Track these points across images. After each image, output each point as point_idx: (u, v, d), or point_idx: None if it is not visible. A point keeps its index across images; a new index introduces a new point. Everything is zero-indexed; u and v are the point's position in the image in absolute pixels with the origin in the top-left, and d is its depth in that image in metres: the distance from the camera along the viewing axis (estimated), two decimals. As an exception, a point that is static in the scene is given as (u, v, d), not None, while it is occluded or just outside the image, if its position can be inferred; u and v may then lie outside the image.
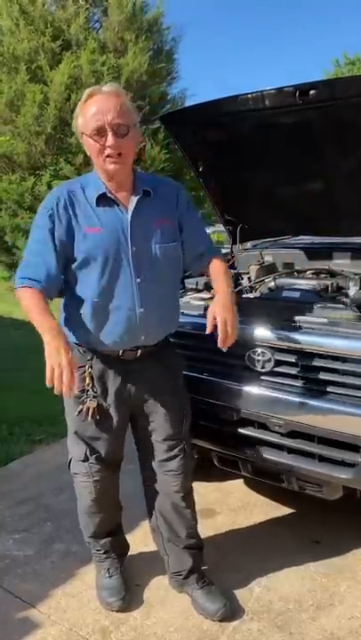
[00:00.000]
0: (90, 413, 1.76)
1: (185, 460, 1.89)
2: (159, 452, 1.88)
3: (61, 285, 1.74)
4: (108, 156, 1.63)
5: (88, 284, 1.69)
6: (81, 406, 1.77)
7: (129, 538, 2.16)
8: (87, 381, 1.76)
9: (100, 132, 1.61)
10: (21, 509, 2.57)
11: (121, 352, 1.76)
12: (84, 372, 1.76)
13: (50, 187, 8.77)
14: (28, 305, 1.63)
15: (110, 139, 1.61)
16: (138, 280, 1.69)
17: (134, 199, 1.71)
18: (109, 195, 1.69)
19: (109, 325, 1.71)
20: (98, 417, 1.77)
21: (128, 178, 1.74)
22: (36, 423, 3.46)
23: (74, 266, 1.69)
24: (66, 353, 1.53)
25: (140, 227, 1.69)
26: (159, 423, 1.85)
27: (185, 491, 1.92)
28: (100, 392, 1.78)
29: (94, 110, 1.61)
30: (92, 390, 1.76)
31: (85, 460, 1.84)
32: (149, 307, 1.71)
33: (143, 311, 1.70)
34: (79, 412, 1.77)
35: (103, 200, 1.69)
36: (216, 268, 1.87)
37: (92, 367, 1.77)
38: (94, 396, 1.76)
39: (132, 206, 1.70)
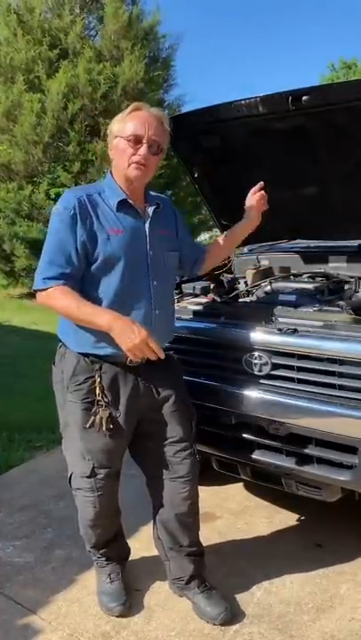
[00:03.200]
0: (103, 424, 1.74)
1: (194, 465, 1.89)
2: (167, 458, 1.87)
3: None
4: (135, 163, 1.72)
5: (109, 285, 1.72)
6: (93, 417, 1.75)
7: (130, 543, 2.16)
8: (97, 392, 1.75)
9: (136, 140, 1.71)
10: (22, 516, 2.57)
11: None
12: (94, 382, 1.76)
13: (48, 195, 8.80)
14: (67, 304, 1.65)
15: (144, 149, 1.71)
16: (154, 283, 1.77)
17: (150, 209, 1.81)
18: (130, 201, 1.77)
19: None
20: (111, 426, 1.76)
21: (143, 190, 1.84)
22: (35, 430, 3.46)
23: (94, 267, 1.71)
24: (137, 325, 1.60)
25: (155, 234, 1.80)
26: (169, 428, 1.85)
27: (192, 498, 1.90)
28: (111, 401, 1.77)
29: (138, 120, 1.72)
30: (103, 400, 1.75)
31: (92, 475, 1.82)
32: (162, 309, 1.80)
33: (158, 313, 1.78)
34: (91, 424, 1.75)
35: (124, 206, 1.76)
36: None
37: (101, 377, 1.76)
38: (106, 406, 1.75)
39: (149, 215, 1.80)
